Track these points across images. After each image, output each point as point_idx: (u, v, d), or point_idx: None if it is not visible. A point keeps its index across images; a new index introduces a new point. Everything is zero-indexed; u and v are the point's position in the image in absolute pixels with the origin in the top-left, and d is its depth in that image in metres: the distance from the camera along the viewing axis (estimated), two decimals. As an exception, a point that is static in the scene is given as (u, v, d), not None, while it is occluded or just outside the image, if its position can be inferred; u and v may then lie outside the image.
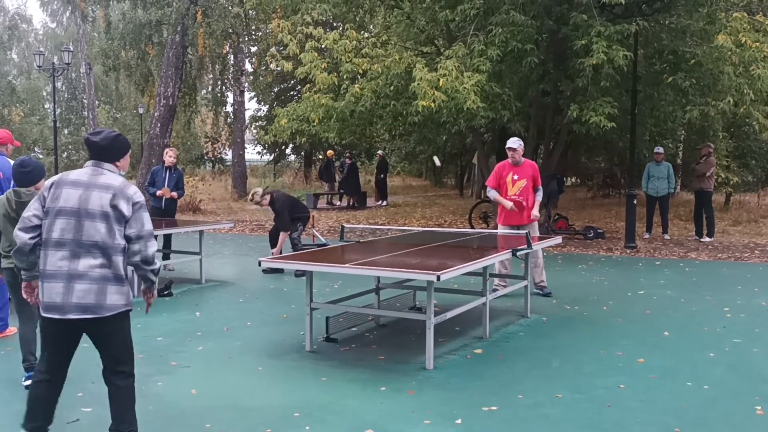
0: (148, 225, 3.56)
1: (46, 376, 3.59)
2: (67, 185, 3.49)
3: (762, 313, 7.11)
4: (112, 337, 3.56)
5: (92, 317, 3.43)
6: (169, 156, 10.09)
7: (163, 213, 9.96)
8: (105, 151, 3.56)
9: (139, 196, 3.53)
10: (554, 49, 12.95)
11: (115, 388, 3.58)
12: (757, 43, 11.36)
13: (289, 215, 9.83)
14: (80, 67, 41.18)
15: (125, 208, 3.47)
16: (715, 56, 11.67)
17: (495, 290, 7.28)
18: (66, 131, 46.20)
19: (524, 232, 7.09)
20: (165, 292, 8.06)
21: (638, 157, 13.99)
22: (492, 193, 7.98)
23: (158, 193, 9.87)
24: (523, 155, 7.99)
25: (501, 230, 7.96)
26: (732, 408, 4.41)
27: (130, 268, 3.59)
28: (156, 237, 9.32)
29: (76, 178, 3.51)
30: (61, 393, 3.67)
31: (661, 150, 13.42)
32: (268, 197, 9.86)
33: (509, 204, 7.75)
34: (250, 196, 10.27)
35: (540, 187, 7.94)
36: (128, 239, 3.51)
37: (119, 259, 3.50)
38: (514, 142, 7.86)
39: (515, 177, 7.83)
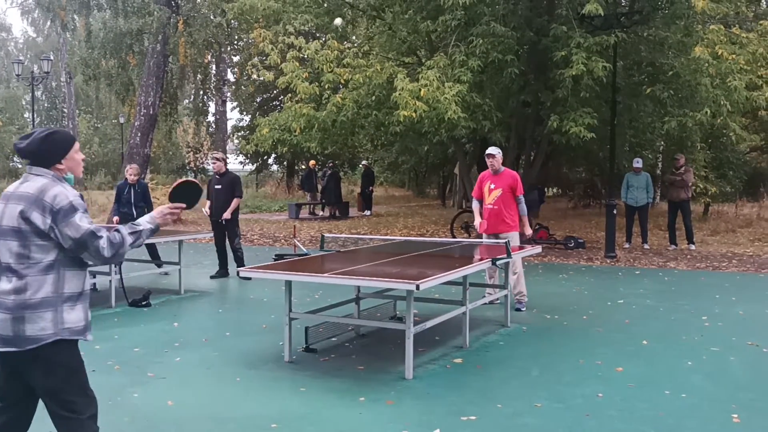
0: (85, 225, 2.86)
1: (2, 414, 3.03)
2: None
3: (739, 322, 7.17)
4: (43, 373, 2.89)
5: (13, 350, 2.85)
6: (129, 174, 10.11)
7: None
8: (34, 155, 2.96)
9: (62, 200, 2.86)
10: (535, 60, 13.04)
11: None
12: (734, 55, 11.52)
13: None
14: (60, 76, 40.90)
15: (39, 220, 2.84)
16: (693, 68, 11.81)
17: (486, 295, 7.33)
18: (45, 141, 45.73)
19: (503, 241, 7.09)
20: (143, 303, 7.98)
21: (618, 167, 14.10)
22: (474, 204, 8.06)
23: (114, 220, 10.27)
24: (505, 165, 8.00)
25: (484, 239, 7.95)
26: (709, 416, 4.43)
27: (89, 283, 3.16)
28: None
29: (6, 190, 3.02)
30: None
31: (639, 164, 13.55)
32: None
33: (477, 221, 7.90)
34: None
35: (521, 197, 7.81)
36: (72, 252, 2.90)
37: (39, 282, 2.85)
38: (492, 149, 7.86)
39: (492, 186, 7.80)
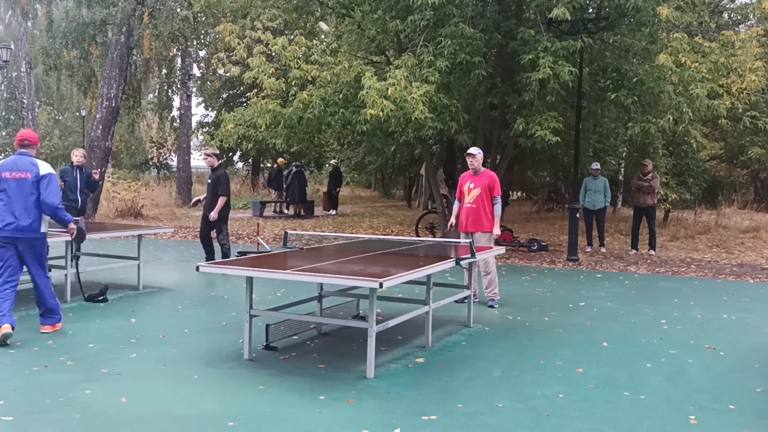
0: None
1: None
2: None
3: (697, 326, 7.28)
4: None
5: None
6: (75, 156, 10.13)
7: (80, 212, 9.73)
8: None
9: None
10: (502, 63, 13.09)
11: None
12: (696, 64, 11.72)
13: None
14: (21, 65, 39.89)
15: None
16: (656, 75, 11.97)
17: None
18: (4, 132, 44.64)
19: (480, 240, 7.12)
20: (100, 298, 7.79)
21: (582, 172, 14.27)
22: (455, 205, 8.23)
23: None
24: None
25: (462, 237, 7.93)
26: (667, 417, 4.46)
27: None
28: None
29: None
30: None
31: (598, 166, 13.72)
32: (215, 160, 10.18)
33: (451, 221, 8.14)
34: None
35: (497, 197, 7.92)
36: None
37: None
38: (473, 149, 8.03)
39: (471, 186, 7.94)
